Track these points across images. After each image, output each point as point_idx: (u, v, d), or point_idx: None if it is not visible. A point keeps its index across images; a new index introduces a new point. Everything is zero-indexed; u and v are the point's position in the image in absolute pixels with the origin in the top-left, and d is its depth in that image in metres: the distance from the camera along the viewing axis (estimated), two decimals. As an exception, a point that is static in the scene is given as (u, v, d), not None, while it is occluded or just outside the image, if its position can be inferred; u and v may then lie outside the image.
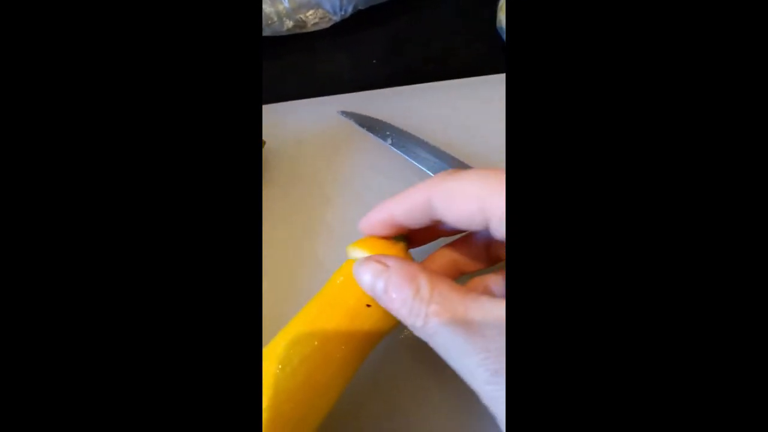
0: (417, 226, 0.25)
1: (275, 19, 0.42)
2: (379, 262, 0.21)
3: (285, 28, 0.43)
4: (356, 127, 0.37)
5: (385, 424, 0.26)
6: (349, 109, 0.38)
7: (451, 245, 0.27)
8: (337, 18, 0.43)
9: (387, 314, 0.23)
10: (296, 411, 0.21)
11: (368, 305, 0.23)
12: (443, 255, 0.27)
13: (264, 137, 0.35)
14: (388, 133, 0.35)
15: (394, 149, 0.35)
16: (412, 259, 0.25)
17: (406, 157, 0.34)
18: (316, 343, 0.22)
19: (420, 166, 0.33)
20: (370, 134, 0.36)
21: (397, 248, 0.25)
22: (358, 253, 0.24)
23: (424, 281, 0.20)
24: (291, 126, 0.38)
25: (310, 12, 0.42)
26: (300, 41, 0.44)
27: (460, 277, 0.27)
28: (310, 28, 0.43)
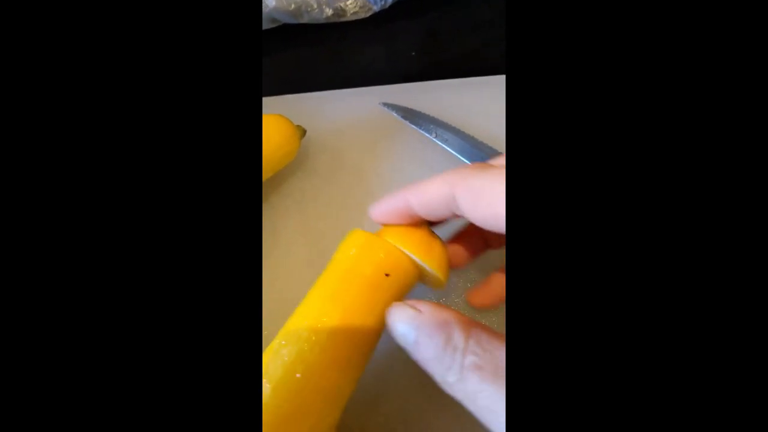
0: (435, 219, 0.24)
1: (315, 6, 0.41)
2: (412, 307, 0.20)
3: (324, 16, 0.42)
4: (398, 118, 0.36)
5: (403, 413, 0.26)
6: (388, 101, 0.37)
7: None
8: (376, 8, 0.43)
9: (407, 281, 0.23)
10: (329, 385, 0.21)
11: (387, 274, 0.23)
12: (470, 229, 0.27)
13: (304, 126, 0.34)
14: (431, 125, 0.35)
15: (437, 141, 0.34)
16: (439, 241, 0.25)
17: (450, 150, 0.34)
18: (341, 316, 0.21)
19: (465, 160, 0.33)
20: (413, 126, 0.35)
21: (422, 232, 0.24)
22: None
23: (457, 328, 0.17)
24: (330, 116, 0.37)
25: (350, 1, 0.42)
26: (338, 30, 0.44)
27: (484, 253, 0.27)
28: (349, 17, 0.43)
